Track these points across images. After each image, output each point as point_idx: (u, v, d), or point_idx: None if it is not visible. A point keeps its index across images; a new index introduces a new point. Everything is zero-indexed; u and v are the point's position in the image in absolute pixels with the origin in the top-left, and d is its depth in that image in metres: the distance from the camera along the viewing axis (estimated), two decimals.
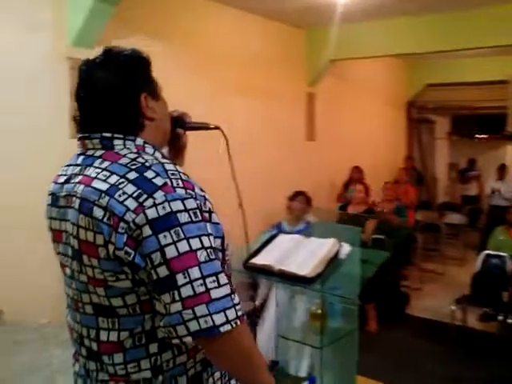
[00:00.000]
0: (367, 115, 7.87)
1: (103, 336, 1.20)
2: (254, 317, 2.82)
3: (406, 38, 5.69)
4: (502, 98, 7.76)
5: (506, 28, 5.08)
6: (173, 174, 1.14)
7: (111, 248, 1.10)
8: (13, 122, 3.44)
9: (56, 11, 3.66)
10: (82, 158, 1.26)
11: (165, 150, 1.40)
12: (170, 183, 1.12)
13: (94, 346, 1.22)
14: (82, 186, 1.18)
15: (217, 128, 1.47)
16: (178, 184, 1.12)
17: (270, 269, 1.94)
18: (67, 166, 1.32)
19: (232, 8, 5.19)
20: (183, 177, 1.16)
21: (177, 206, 1.09)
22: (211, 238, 1.13)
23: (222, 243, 1.22)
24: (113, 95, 1.23)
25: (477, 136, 10.18)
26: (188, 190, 1.13)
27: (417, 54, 6.58)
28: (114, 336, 1.18)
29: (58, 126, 3.64)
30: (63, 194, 1.25)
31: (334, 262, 1.92)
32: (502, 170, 8.24)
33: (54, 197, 1.29)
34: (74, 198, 1.19)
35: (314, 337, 2.41)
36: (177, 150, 1.48)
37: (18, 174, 3.48)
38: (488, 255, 5.23)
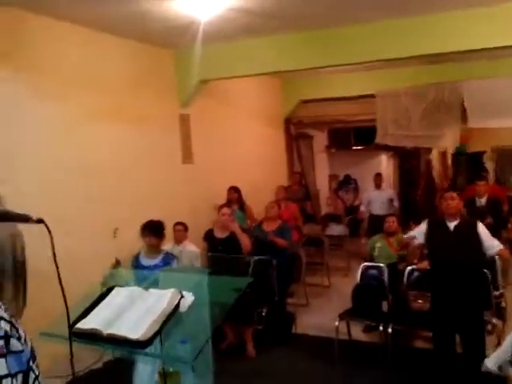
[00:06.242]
0: (245, 134, 7.80)
1: None
2: None
3: (272, 57, 5.70)
4: (372, 112, 8.06)
5: (372, 45, 5.26)
6: None
7: None
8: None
9: None
10: None
11: None
12: None
13: None
14: None
15: (40, 221, 1.24)
16: None
17: (99, 333, 1.70)
18: None
19: (92, 30, 4.89)
20: None
21: None
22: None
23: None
24: None
25: (353, 147, 10.57)
26: None
27: (282, 72, 6.65)
28: None
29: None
30: None
31: (174, 316, 1.73)
32: (377, 179, 8.34)
33: None
34: None
35: None
36: None
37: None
38: (366, 267, 5.32)
